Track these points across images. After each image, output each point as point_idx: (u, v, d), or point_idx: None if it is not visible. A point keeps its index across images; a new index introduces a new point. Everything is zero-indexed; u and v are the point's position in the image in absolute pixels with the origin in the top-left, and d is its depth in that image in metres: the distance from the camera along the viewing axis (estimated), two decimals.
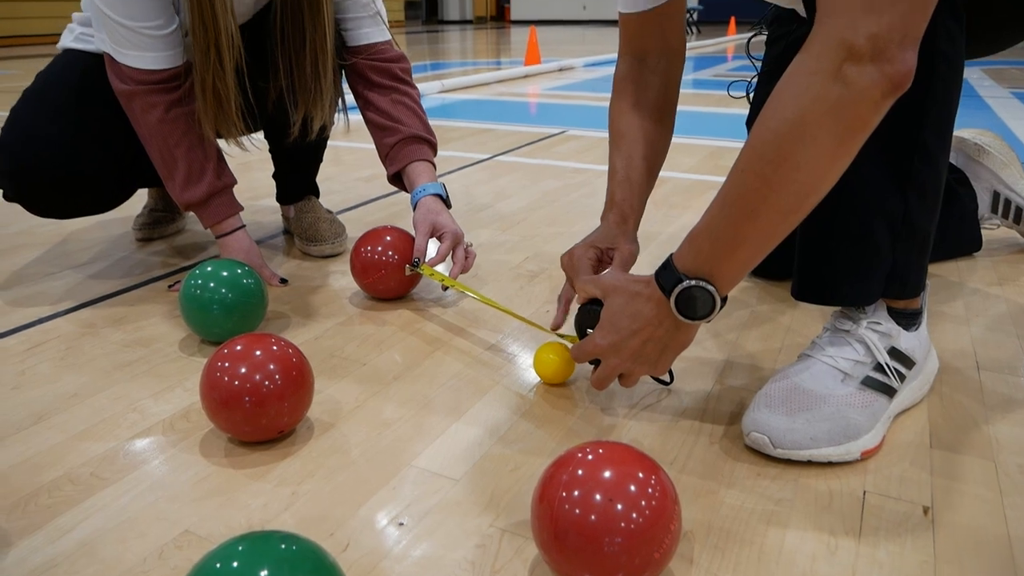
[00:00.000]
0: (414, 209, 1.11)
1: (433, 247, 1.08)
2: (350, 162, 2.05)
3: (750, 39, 1.18)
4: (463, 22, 15.16)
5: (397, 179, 1.18)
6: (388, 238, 1.08)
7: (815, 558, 0.60)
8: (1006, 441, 0.75)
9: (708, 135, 2.37)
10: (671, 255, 0.70)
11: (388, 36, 1.19)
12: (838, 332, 0.76)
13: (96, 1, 0.99)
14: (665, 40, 0.91)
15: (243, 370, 0.71)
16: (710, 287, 0.66)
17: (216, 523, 0.64)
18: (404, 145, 1.15)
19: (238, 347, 0.73)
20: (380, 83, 1.17)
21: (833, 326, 0.77)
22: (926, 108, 0.69)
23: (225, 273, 0.94)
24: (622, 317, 0.72)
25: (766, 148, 0.61)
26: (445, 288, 1.09)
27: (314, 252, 1.29)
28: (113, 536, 0.62)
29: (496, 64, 5.45)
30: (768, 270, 1.18)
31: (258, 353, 0.73)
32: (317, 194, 1.40)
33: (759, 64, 1.17)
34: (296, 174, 1.38)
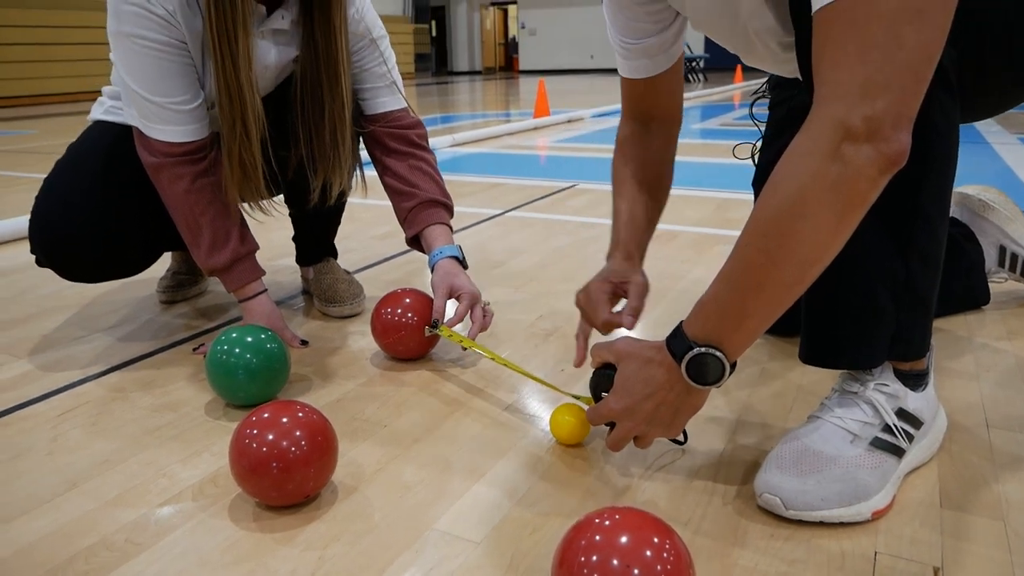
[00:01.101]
0: (432, 271, 1.15)
1: (451, 308, 1.11)
2: (366, 219, 2.10)
3: (753, 103, 1.23)
4: (472, 73, 15.47)
5: (415, 242, 1.23)
6: (407, 300, 1.12)
7: None
8: (1015, 500, 0.76)
9: (715, 187, 2.41)
10: (681, 323, 0.73)
11: (404, 104, 1.25)
12: (846, 394, 0.78)
13: (126, 79, 1.05)
14: (662, 106, 0.99)
15: (271, 437, 0.74)
16: (719, 354, 0.69)
17: None
18: (421, 209, 1.20)
19: (266, 414, 0.76)
20: (397, 149, 1.23)
21: (841, 388, 0.80)
22: (924, 178, 0.72)
23: (250, 339, 0.97)
24: (635, 382, 0.75)
25: (768, 225, 0.64)
26: (464, 348, 1.12)
27: (333, 313, 1.33)
28: None
29: (506, 116, 5.57)
30: (778, 327, 1.20)
31: (285, 420, 0.76)
32: (335, 255, 1.44)
33: (763, 127, 1.21)
34: (315, 237, 1.42)
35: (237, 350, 0.96)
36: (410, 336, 1.10)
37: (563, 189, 2.49)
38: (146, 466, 0.86)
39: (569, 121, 4.84)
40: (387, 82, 1.22)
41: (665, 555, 0.56)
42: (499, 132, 4.17)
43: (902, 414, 0.77)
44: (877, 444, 0.75)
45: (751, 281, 0.66)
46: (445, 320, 1.08)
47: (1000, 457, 0.84)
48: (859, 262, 0.74)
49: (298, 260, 1.46)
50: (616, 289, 0.93)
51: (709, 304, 0.70)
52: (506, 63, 17.34)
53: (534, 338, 1.22)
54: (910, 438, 0.77)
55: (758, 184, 1.22)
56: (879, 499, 0.73)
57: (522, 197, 2.37)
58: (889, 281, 0.75)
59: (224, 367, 0.96)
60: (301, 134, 1.14)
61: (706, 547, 0.70)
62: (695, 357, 0.70)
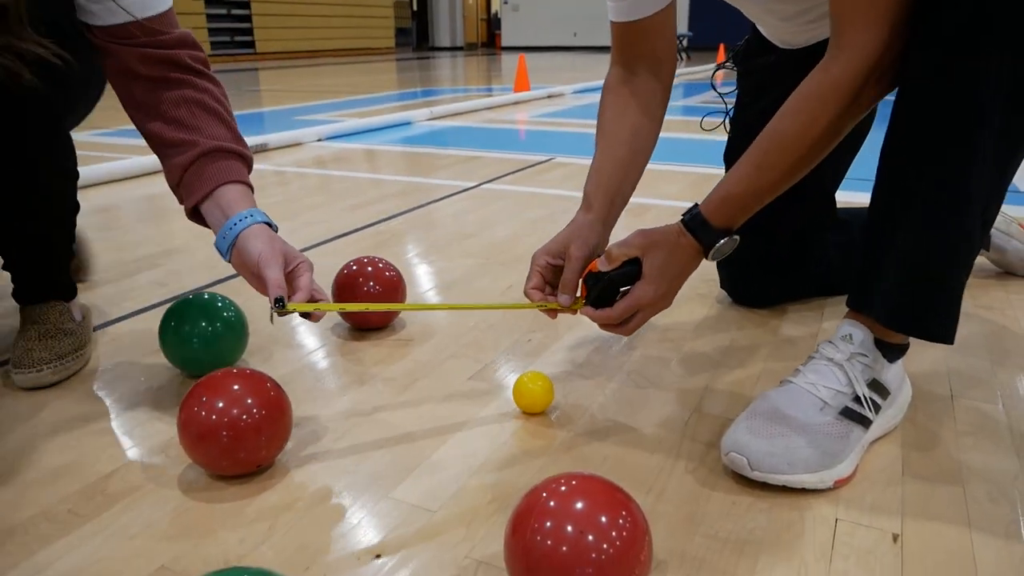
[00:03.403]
0: (231, 245, 0.81)
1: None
2: (338, 191, 2.06)
3: (714, 72, 1.21)
4: (454, 49, 15.31)
5: (196, 213, 0.87)
6: (369, 268, 1.09)
7: None
8: (976, 468, 0.75)
9: (692, 162, 2.40)
10: (700, 212, 0.79)
11: (167, 4, 0.86)
12: (823, 360, 0.77)
13: None
14: (653, 50, 0.95)
15: (220, 404, 0.72)
16: (736, 237, 0.79)
17: (193, 559, 0.64)
18: (208, 162, 0.84)
19: (215, 381, 0.74)
20: (160, 78, 0.85)
21: (820, 354, 0.78)
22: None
23: (205, 306, 0.94)
24: (670, 267, 0.79)
25: (790, 141, 0.75)
26: (312, 314, 0.80)
27: (17, 381, 0.94)
28: (90, 573, 0.62)
29: (487, 91, 5.51)
30: (747, 297, 1.19)
31: (235, 387, 0.73)
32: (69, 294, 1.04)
33: (724, 95, 1.20)
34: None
35: (191, 317, 0.93)
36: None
37: (540, 163, 2.47)
38: (94, 436, 0.83)
39: (549, 97, 4.79)
40: None
41: (621, 522, 0.55)
42: (478, 106, 4.11)
43: (874, 384, 0.76)
44: (846, 413, 0.74)
45: (772, 182, 0.76)
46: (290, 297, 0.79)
47: (963, 426, 0.83)
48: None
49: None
50: (555, 260, 0.86)
51: (732, 200, 0.78)
52: (488, 39, 17.16)
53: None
54: (877, 408, 0.76)
55: (729, 157, 1.20)
56: (843, 468, 0.72)
57: (498, 170, 2.34)
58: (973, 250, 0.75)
59: (177, 335, 0.93)
60: None
61: (667, 514, 0.69)
62: (723, 245, 0.78)
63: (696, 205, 0.80)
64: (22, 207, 0.95)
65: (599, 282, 0.81)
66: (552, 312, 0.86)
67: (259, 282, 0.79)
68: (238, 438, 0.71)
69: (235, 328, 0.95)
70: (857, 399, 0.75)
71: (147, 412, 0.88)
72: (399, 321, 1.15)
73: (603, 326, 0.83)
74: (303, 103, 4.42)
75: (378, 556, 0.64)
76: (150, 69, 0.84)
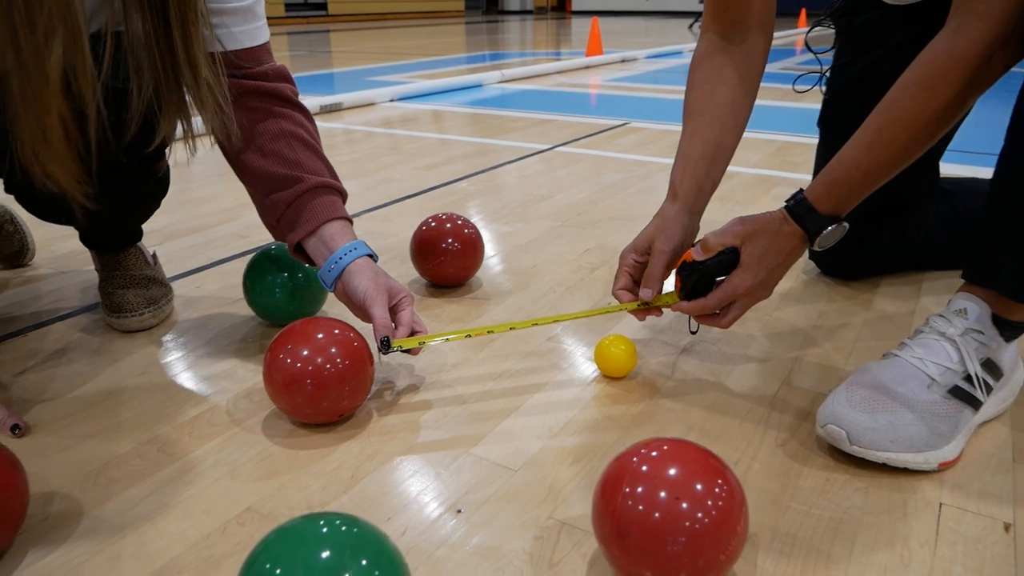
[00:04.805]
0: (337, 278, 0.81)
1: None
2: (410, 151, 2.06)
3: (809, 31, 1.14)
4: (523, 12, 15.11)
5: (299, 249, 0.86)
6: (448, 225, 1.08)
7: (886, 569, 0.57)
8: None
9: (775, 130, 2.30)
10: (808, 199, 0.74)
11: (266, 37, 0.84)
12: (934, 335, 0.73)
13: None
14: (751, 11, 0.87)
15: (305, 353, 0.72)
16: (845, 224, 0.74)
17: (277, 502, 0.64)
18: (311, 198, 0.84)
19: (300, 330, 0.74)
20: (259, 109, 0.84)
21: (931, 327, 0.74)
22: None
23: (288, 257, 0.95)
24: (770, 255, 0.75)
25: (911, 119, 0.69)
26: (420, 345, 0.81)
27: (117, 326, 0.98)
28: (179, 511, 0.63)
29: (556, 55, 5.42)
30: (838, 269, 1.14)
31: (320, 336, 0.73)
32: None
33: (822, 58, 1.13)
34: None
35: (276, 267, 0.94)
36: (450, 262, 1.07)
37: (614, 127, 2.41)
38: (182, 380, 0.85)
39: (623, 61, 4.68)
40: (241, 1, 0.80)
41: (717, 490, 0.52)
42: (549, 70, 4.04)
43: (987, 364, 0.71)
44: (955, 393, 0.69)
45: (886, 163, 0.71)
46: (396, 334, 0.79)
47: None
48: None
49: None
50: (642, 257, 0.83)
51: (841, 184, 0.73)
52: (558, 3, 16.88)
53: (580, 271, 1.17)
54: (988, 390, 0.72)
55: (824, 122, 1.14)
56: (949, 450, 0.68)
57: (571, 133, 2.30)
58: None
59: (262, 284, 0.94)
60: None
61: (757, 488, 0.66)
62: (830, 232, 0.74)
63: (801, 191, 0.75)
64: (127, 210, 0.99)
65: (694, 272, 0.77)
66: (640, 314, 0.83)
67: (364, 315, 0.81)
68: (322, 387, 0.71)
69: (317, 279, 0.95)
70: (968, 378, 0.70)
71: (231, 359, 0.90)
72: (475, 280, 1.14)
73: (699, 318, 0.80)
74: (374, 64, 4.43)
75: (459, 511, 0.64)
76: (253, 101, 0.84)
